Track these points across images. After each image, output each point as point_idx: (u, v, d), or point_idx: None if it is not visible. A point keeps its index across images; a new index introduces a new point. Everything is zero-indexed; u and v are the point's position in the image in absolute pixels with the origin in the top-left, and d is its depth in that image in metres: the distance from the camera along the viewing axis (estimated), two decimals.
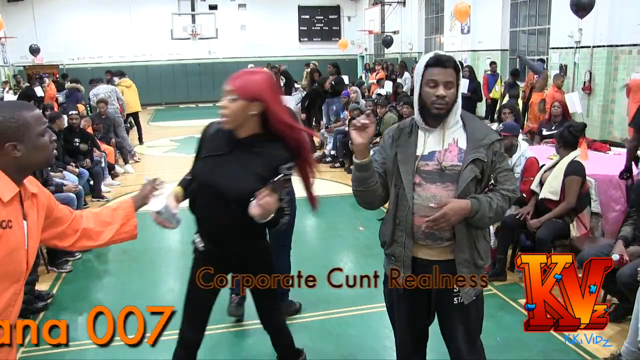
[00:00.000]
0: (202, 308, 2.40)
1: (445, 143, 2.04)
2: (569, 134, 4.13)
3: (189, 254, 5.09)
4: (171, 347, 3.38)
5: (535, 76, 9.52)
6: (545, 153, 5.18)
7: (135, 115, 11.06)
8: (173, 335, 3.48)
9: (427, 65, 2.00)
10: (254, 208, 1.96)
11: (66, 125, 7.11)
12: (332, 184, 7.46)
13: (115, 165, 8.30)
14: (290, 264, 3.64)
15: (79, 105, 10.12)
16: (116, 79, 11.09)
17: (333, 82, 9.93)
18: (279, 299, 2.47)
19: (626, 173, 4.31)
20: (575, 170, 4.00)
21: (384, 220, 2.21)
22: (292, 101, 8.08)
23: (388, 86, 11.06)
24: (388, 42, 16.54)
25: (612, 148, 5.89)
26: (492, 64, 11.47)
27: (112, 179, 7.83)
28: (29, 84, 13.93)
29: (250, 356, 3.29)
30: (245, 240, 2.21)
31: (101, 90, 9.43)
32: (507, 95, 9.73)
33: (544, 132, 6.31)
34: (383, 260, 2.27)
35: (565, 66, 9.93)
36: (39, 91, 11.65)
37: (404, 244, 2.07)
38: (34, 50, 16.51)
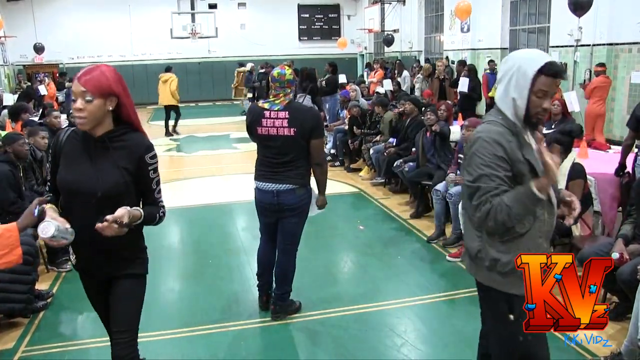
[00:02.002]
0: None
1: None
2: (563, 137, 4.10)
3: (189, 254, 5.13)
4: (171, 347, 3.39)
5: None
6: None
7: None
8: (172, 335, 3.49)
9: (541, 73, 1.87)
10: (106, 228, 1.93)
11: (66, 123, 7.10)
12: (332, 183, 7.46)
13: None
14: (295, 265, 3.64)
15: None
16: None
17: (324, 82, 9.92)
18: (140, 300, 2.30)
19: (621, 170, 4.37)
20: (578, 173, 4.00)
21: (517, 242, 1.92)
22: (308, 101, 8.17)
23: (387, 84, 11.05)
24: (389, 41, 16.52)
25: (612, 146, 5.89)
26: (491, 62, 11.45)
27: None
28: (29, 83, 13.94)
29: (250, 356, 3.29)
30: (123, 239, 2.05)
31: None
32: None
33: (544, 131, 6.30)
34: (500, 282, 1.93)
35: (565, 64, 9.92)
36: (42, 90, 11.66)
37: (545, 250, 1.94)
38: (38, 49, 16.50)
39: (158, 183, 2.18)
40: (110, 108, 2.04)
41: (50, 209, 2.02)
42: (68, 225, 1.96)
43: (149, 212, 2.14)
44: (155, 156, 2.14)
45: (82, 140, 2.11)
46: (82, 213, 2.05)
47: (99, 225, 1.93)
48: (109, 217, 1.93)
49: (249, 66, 15.56)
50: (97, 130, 2.07)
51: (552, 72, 1.86)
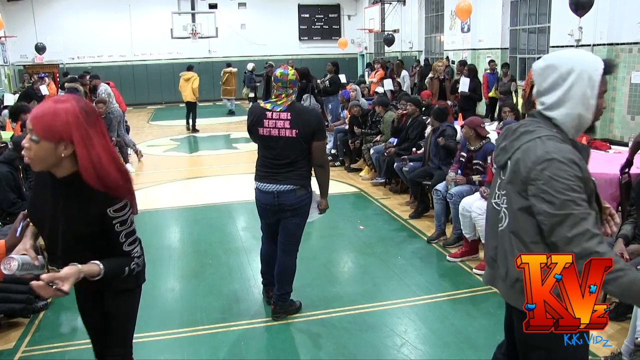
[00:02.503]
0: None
1: None
2: None
3: (189, 254, 5.12)
4: (171, 347, 3.39)
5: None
6: None
7: None
8: (172, 336, 3.49)
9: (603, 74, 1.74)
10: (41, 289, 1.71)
11: None
12: (333, 182, 7.43)
13: None
14: (296, 265, 3.64)
15: None
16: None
17: (328, 82, 9.93)
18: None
19: (626, 167, 4.34)
20: None
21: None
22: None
23: (388, 84, 11.05)
24: (390, 41, 16.53)
25: (612, 146, 5.88)
26: (491, 62, 11.44)
27: None
28: (30, 84, 13.94)
29: (251, 356, 3.29)
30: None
31: (102, 90, 9.36)
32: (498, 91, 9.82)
33: None
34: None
35: None
36: (44, 90, 11.67)
37: None
38: (40, 49, 16.51)
39: (129, 235, 1.91)
40: (63, 155, 1.74)
41: (31, 228, 1.91)
42: (37, 262, 1.83)
43: (113, 267, 1.87)
44: (123, 207, 1.85)
45: (47, 176, 1.85)
46: (58, 242, 1.93)
47: (33, 283, 1.69)
48: (45, 276, 1.67)
49: (250, 66, 15.57)
50: (56, 172, 1.81)
51: (610, 70, 1.74)
